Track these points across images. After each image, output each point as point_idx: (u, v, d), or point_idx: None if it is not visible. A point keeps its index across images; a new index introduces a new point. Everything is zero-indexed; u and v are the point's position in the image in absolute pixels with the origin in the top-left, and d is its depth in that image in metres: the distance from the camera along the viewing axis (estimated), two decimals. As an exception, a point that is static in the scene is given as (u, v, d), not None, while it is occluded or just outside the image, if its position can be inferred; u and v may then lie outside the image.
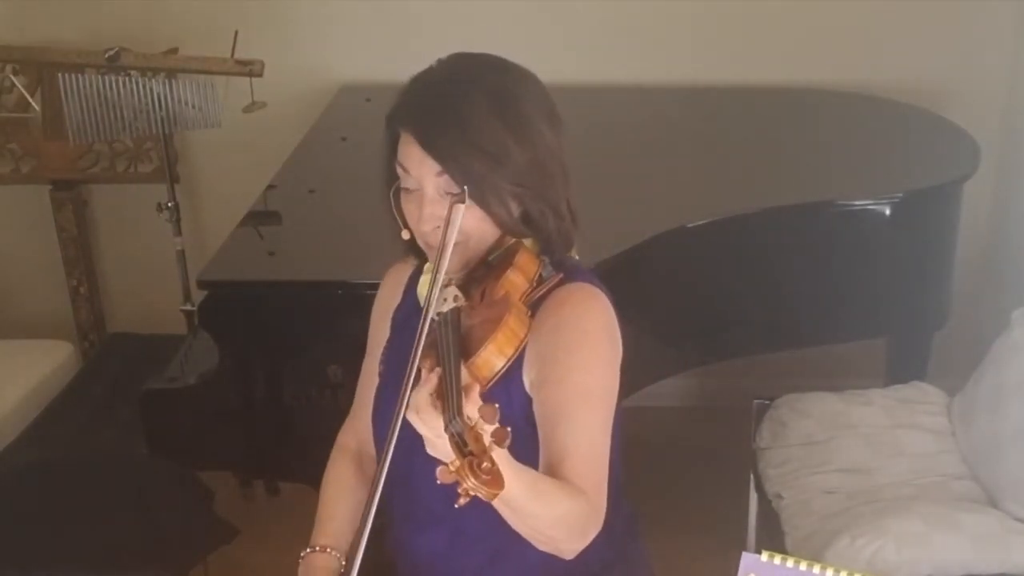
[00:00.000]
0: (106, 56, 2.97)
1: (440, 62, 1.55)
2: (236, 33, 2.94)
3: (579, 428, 1.45)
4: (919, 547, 2.22)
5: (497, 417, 1.22)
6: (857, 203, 2.74)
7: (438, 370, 1.31)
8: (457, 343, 1.35)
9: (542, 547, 1.44)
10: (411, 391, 1.33)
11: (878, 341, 3.04)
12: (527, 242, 1.54)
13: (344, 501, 1.73)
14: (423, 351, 1.37)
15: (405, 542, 1.66)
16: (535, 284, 1.50)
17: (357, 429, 1.77)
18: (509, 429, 1.23)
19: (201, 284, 2.36)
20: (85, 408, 2.97)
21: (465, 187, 1.45)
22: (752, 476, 2.75)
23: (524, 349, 1.43)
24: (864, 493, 2.46)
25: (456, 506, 1.22)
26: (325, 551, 1.67)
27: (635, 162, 2.81)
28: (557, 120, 1.55)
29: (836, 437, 2.62)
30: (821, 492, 2.49)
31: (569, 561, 1.48)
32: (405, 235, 1.57)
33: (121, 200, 3.61)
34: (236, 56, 2.96)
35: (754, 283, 2.69)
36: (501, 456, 1.23)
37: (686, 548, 2.77)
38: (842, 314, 2.82)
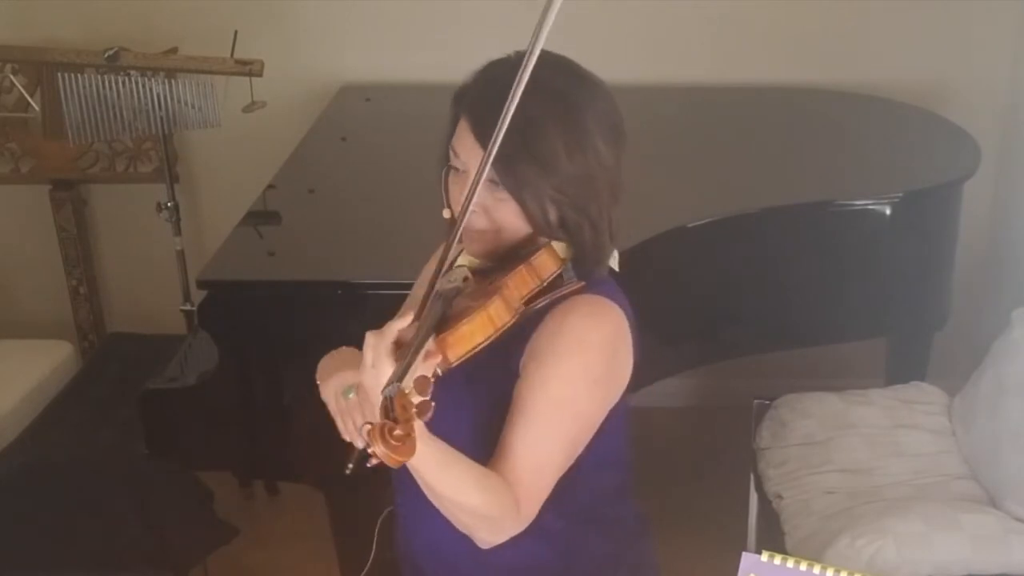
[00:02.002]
0: (105, 56, 2.97)
1: (518, 55, 1.52)
2: (236, 33, 2.94)
3: (535, 436, 1.44)
4: (919, 547, 2.22)
5: (430, 392, 1.24)
6: (857, 203, 2.74)
7: (404, 324, 1.34)
8: (436, 316, 1.37)
9: (459, 528, 1.45)
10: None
11: (878, 341, 3.04)
12: (557, 245, 1.53)
13: None
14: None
15: (410, 528, 1.67)
16: (545, 285, 1.49)
17: None
18: (433, 404, 1.24)
19: (201, 284, 2.36)
20: (85, 408, 2.97)
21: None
22: (752, 476, 2.75)
23: (528, 339, 1.45)
24: (864, 493, 2.46)
25: (368, 466, 1.25)
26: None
27: (635, 162, 2.80)
28: (620, 136, 1.53)
29: (836, 437, 2.62)
30: (821, 492, 2.49)
31: (570, 558, 1.50)
32: (446, 214, 1.56)
33: (121, 200, 3.61)
34: (236, 56, 2.96)
35: (754, 283, 2.69)
36: (420, 428, 1.26)
37: (686, 548, 2.76)
38: (842, 314, 2.81)
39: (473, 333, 1.37)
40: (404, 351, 1.31)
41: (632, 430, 1.64)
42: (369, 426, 1.22)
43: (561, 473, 1.48)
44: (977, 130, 3.03)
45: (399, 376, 1.26)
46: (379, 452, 1.20)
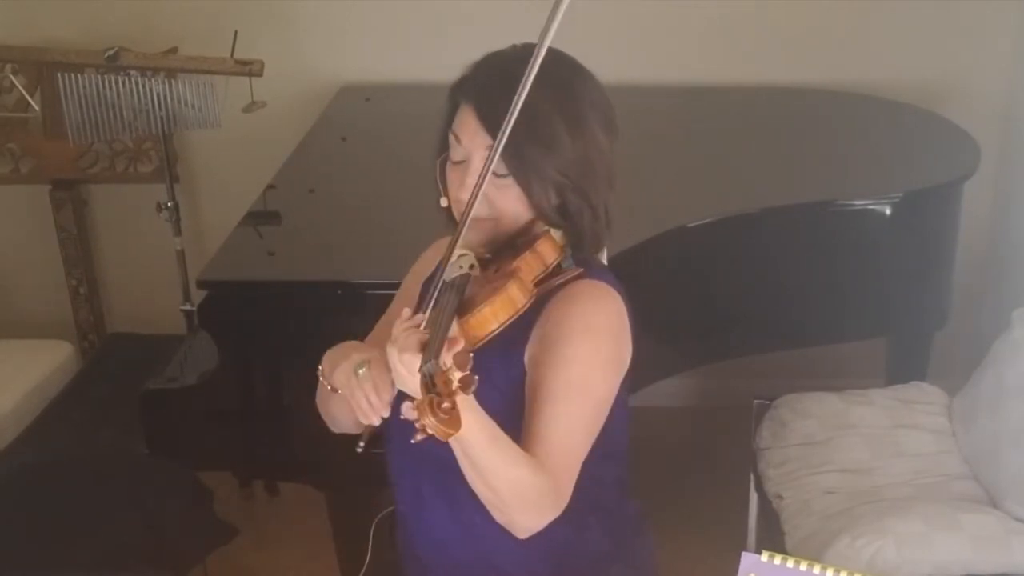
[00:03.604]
0: (105, 56, 2.97)
1: (515, 47, 1.59)
2: (236, 33, 2.95)
3: (561, 416, 1.48)
4: (919, 547, 2.22)
5: (469, 366, 1.28)
6: (857, 203, 2.74)
7: (425, 317, 1.38)
8: (455, 302, 1.41)
9: (497, 515, 1.46)
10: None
11: (878, 341, 3.04)
12: (555, 233, 1.57)
13: None
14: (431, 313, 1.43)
15: (413, 527, 1.68)
16: (550, 270, 1.53)
17: None
18: (477, 377, 1.28)
19: (201, 284, 2.36)
20: (85, 408, 2.97)
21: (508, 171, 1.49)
22: (752, 476, 2.75)
23: (532, 327, 1.49)
24: (864, 493, 2.46)
25: (412, 442, 1.28)
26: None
27: (635, 162, 2.80)
28: (614, 128, 1.58)
29: (836, 437, 2.62)
30: (821, 492, 2.49)
31: (569, 549, 1.51)
32: (443, 202, 1.60)
33: (121, 200, 3.61)
34: (236, 56, 2.96)
35: (754, 283, 2.69)
36: (465, 402, 1.29)
37: (686, 548, 2.77)
38: (842, 314, 2.81)
39: (495, 314, 1.40)
40: (430, 338, 1.33)
41: (632, 430, 1.65)
42: (418, 401, 1.25)
43: (584, 456, 1.51)
44: (977, 130, 3.03)
45: (432, 356, 1.28)
46: (429, 425, 1.24)
